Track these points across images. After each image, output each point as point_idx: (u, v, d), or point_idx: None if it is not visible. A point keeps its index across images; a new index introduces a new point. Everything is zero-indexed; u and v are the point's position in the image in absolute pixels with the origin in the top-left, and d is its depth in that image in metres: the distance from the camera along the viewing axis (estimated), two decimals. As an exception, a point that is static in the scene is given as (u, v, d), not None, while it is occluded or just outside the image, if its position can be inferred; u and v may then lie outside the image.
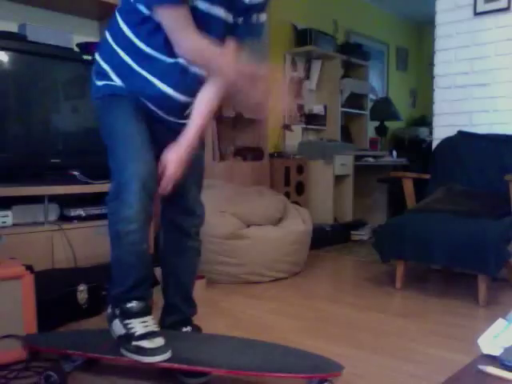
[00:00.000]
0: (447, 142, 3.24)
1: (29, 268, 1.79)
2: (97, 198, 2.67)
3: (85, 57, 2.71)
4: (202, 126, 1.63)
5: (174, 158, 1.57)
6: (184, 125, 1.65)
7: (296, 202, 3.85)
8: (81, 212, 2.63)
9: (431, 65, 3.56)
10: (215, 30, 1.54)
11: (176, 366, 1.48)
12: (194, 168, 1.72)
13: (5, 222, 2.35)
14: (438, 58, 3.41)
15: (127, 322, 1.52)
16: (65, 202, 2.63)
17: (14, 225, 2.40)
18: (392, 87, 6.37)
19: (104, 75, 1.60)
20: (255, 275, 2.91)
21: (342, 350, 1.89)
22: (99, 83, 1.61)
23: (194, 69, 1.58)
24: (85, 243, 2.56)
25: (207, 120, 1.65)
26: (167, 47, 1.52)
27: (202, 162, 1.83)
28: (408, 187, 3.13)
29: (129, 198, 1.47)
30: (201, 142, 1.74)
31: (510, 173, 2.70)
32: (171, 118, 1.67)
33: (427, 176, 3.22)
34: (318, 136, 4.96)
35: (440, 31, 3.40)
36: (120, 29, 1.56)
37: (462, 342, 1.98)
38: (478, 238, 2.41)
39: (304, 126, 4.81)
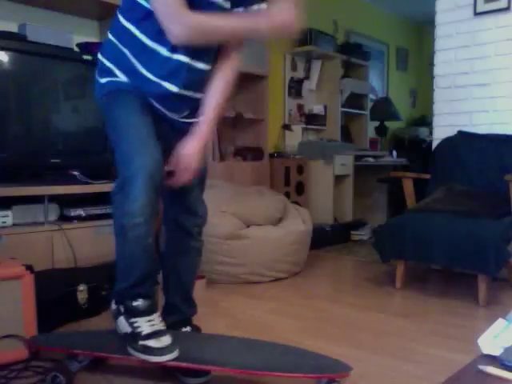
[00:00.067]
0: (447, 141, 3.24)
1: (29, 268, 1.79)
2: (97, 198, 2.67)
3: (85, 57, 2.71)
4: (215, 119, 1.65)
5: (190, 150, 1.58)
6: (188, 124, 1.66)
7: (296, 202, 3.85)
8: (81, 212, 2.63)
9: (431, 65, 3.56)
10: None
11: (184, 364, 1.48)
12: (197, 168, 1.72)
13: (5, 222, 2.35)
14: (438, 58, 3.41)
15: (133, 320, 1.52)
16: (65, 202, 2.63)
17: (14, 225, 2.40)
18: (392, 87, 6.37)
19: (109, 72, 1.60)
20: (255, 275, 2.91)
21: (342, 350, 1.89)
22: (103, 80, 1.61)
23: (200, 65, 1.59)
24: (85, 243, 2.56)
25: (218, 113, 1.66)
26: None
27: (205, 162, 1.83)
28: (408, 187, 3.13)
29: (135, 191, 1.45)
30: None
31: (510, 173, 2.70)
32: (175, 117, 1.68)
33: (427, 176, 3.22)
34: (318, 136, 4.96)
35: (440, 31, 3.40)
36: (123, 27, 1.56)
37: (462, 342, 1.98)
38: (478, 238, 2.41)
39: (304, 126, 4.81)
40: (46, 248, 2.42)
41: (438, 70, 3.42)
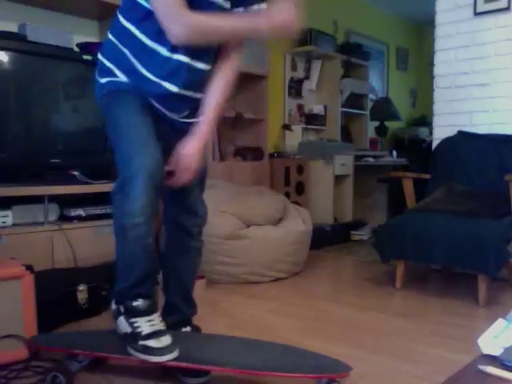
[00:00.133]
0: (447, 141, 3.24)
1: (29, 268, 1.79)
2: (97, 198, 2.67)
3: (85, 57, 2.71)
4: (215, 119, 1.65)
5: (190, 150, 1.59)
6: (188, 124, 1.66)
7: (296, 202, 3.85)
8: (81, 212, 2.63)
9: (431, 65, 3.56)
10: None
11: (184, 364, 1.48)
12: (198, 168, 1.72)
13: (5, 222, 2.35)
14: (438, 58, 3.41)
15: (133, 320, 1.52)
16: (65, 202, 2.63)
17: (14, 225, 2.40)
18: (392, 87, 6.37)
19: (109, 72, 1.60)
20: (255, 275, 2.91)
21: (342, 350, 1.89)
22: (103, 80, 1.61)
23: (200, 65, 1.60)
24: (85, 243, 2.56)
25: (218, 113, 1.66)
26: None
27: (205, 162, 1.83)
28: (408, 187, 3.13)
29: (135, 191, 1.46)
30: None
31: (510, 173, 2.70)
32: (175, 117, 1.68)
33: (427, 176, 3.22)
34: (318, 136, 4.96)
35: (440, 31, 3.40)
36: (123, 27, 1.56)
37: (462, 341, 1.98)
38: (478, 238, 2.41)
39: (304, 126, 4.81)
40: (45, 248, 2.42)
41: (437, 70, 3.42)
